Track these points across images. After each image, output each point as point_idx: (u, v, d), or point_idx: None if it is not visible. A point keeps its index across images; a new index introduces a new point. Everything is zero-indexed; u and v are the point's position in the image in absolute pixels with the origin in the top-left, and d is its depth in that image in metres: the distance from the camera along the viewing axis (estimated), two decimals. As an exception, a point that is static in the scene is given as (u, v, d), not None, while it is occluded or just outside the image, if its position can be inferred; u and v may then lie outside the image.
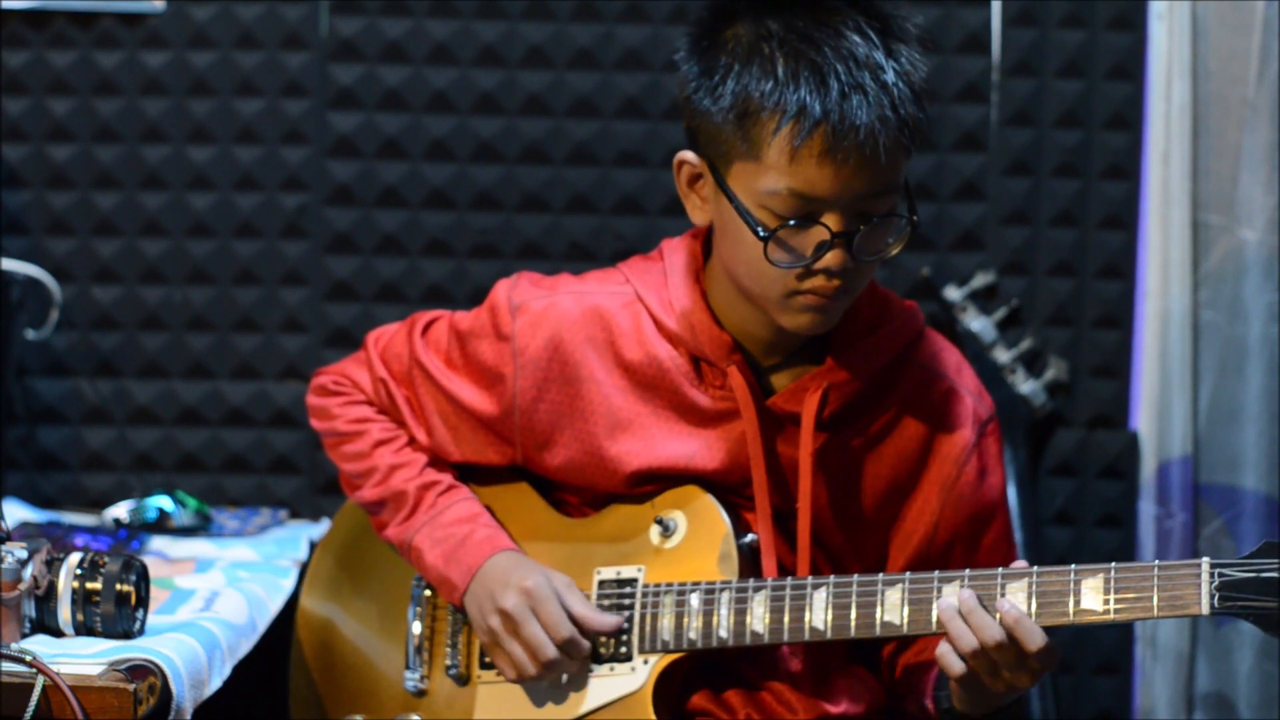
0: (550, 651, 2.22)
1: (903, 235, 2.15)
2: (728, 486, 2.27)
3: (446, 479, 2.36)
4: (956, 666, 2.10)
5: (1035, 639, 2.06)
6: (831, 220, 2.11)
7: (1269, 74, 3.00)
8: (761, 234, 2.13)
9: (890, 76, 2.09)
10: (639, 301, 2.28)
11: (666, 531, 2.28)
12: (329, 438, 2.43)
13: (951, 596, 2.10)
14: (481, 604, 2.27)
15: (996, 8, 3.06)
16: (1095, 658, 3.11)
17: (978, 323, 3.06)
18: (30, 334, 3.01)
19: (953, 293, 3.06)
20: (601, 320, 2.28)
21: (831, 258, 2.12)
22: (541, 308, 2.30)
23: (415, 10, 3.06)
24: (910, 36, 2.14)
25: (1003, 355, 3.05)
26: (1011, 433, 3.00)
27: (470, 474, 2.40)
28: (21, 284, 2.97)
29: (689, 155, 2.19)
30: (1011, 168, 3.08)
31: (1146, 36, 3.05)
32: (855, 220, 2.11)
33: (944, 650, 2.11)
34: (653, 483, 2.29)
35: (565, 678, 2.26)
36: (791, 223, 2.11)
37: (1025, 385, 3.06)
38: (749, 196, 2.13)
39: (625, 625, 2.25)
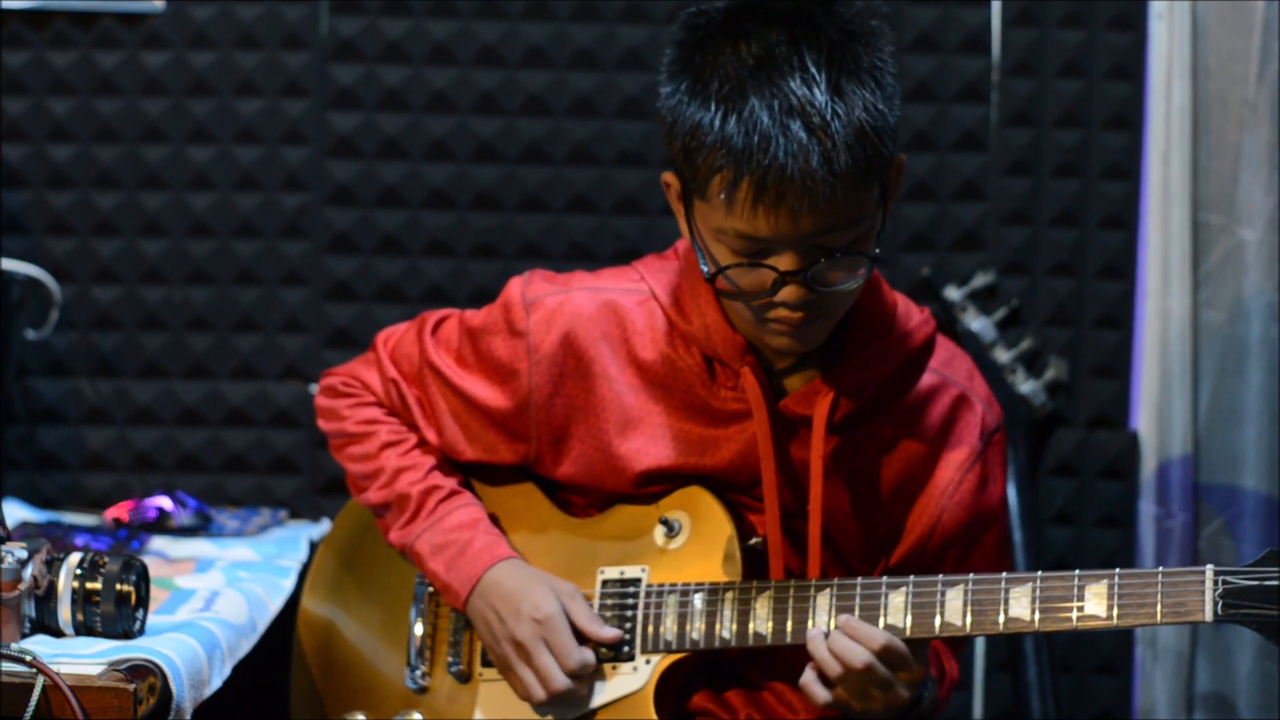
0: (560, 682, 2.23)
1: (870, 267, 2.12)
2: (737, 487, 2.27)
3: (450, 484, 2.36)
4: (820, 695, 2.15)
5: (875, 640, 2.11)
6: (785, 258, 2.08)
7: (1269, 74, 3.00)
8: (707, 272, 2.14)
9: (827, 120, 2.03)
10: (654, 300, 2.28)
11: (671, 532, 2.28)
12: (337, 439, 2.43)
13: (821, 626, 2.16)
14: (491, 625, 2.28)
15: (996, 8, 3.06)
16: (1095, 658, 3.11)
17: (978, 323, 3.06)
18: (30, 334, 3.01)
19: (953, 293, 3.06)
20: (616, 317, 2.28)
21: (788, 292, 2.10)
22: (556, 303, 2.30)
23: (415, 10, 3.06)
24: (864, 68, 2.07)
25: (1003, 355, 3.06)
26: (1011, 433, 3.00)
27: (477, 474, 2.40)
28: (21, 284, 2.97)
29: (670, 176, 2.19)
30: (1011, 168, 3.08)
31: (1146, 36, 3.05)
32: (812, 255, 2.08)
33: (807, 679, 2.15)
34: (662, 482, 2.29)
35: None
36: (741, 264, 2.10)
37: (1025, 385, 3.06)
38: (706, 230, 2.13)
39: (626, 635, 2.26)
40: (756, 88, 2.05)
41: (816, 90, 2.04)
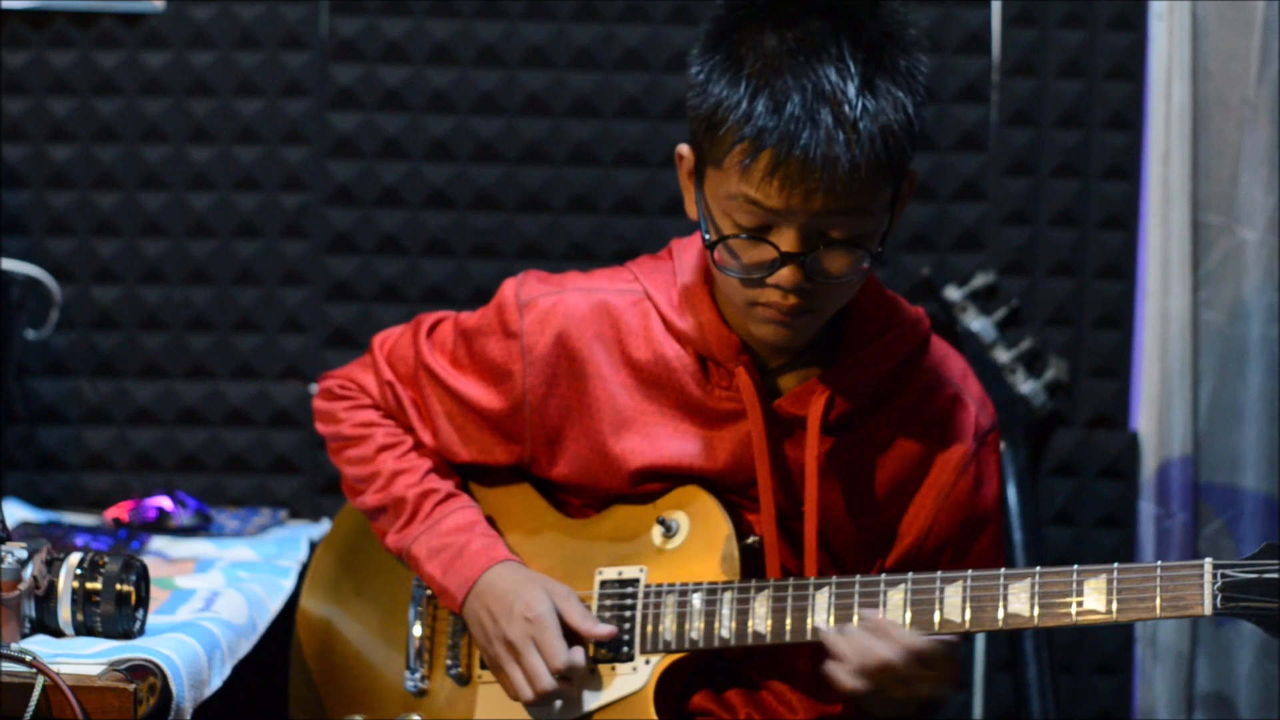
0: (546, 682, 2.23)
1: (867, 264, 2.13)
2: (731, 487, 2.27)
3: (447, 487, 2.36)
4: (848, 682, 2.13)
5: (906, 635, 2.10)
6: (787, 237, 2.09)
7: (1269, 74, 3.00)
8: (708, 239, 2.15)
9: (855, 114, 2.05)
10: (647, 300, 2.28)
11: (669, 532, 2.28)
12: (334, 442, 2.43)
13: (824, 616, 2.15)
14: (484, 624, 2.27)
15: (996, 8, 3.06)
16: (1095, 658, 3.11)
17: (978, 323, 3.06)
18: (30, 334, 3.01)
19: (953, 293, 3.06)
20: (610, 317, 2.28)
21: (784, 275, 2.11)
22: (549, 304, 2.30)
23: (415, 10, 3.06)
24: (899, 71, 2.09)
25: (1003, 355, 3.05)
26: (1011, 433, 3.00)
27: (474, 476, 2.40)
28: (21, 284, 2.97)
29: (685, 149, 2.20)
30: (1011, 168, 3.08)
31: (1146, 36, 3.05)
32: (813, 240, 2.10)
33: (833, 668, 2.14)
34: (656, 481, 2.29)
35: (559, 703, 2.26)
36: (743, 235, 2.11)
37: (1025, 385, 3.06)
38: (715, 201, 2.14)
39: (625, 635, 2.26)
40: (792, 69, 2.06)
41: (850, 83, 2.06)
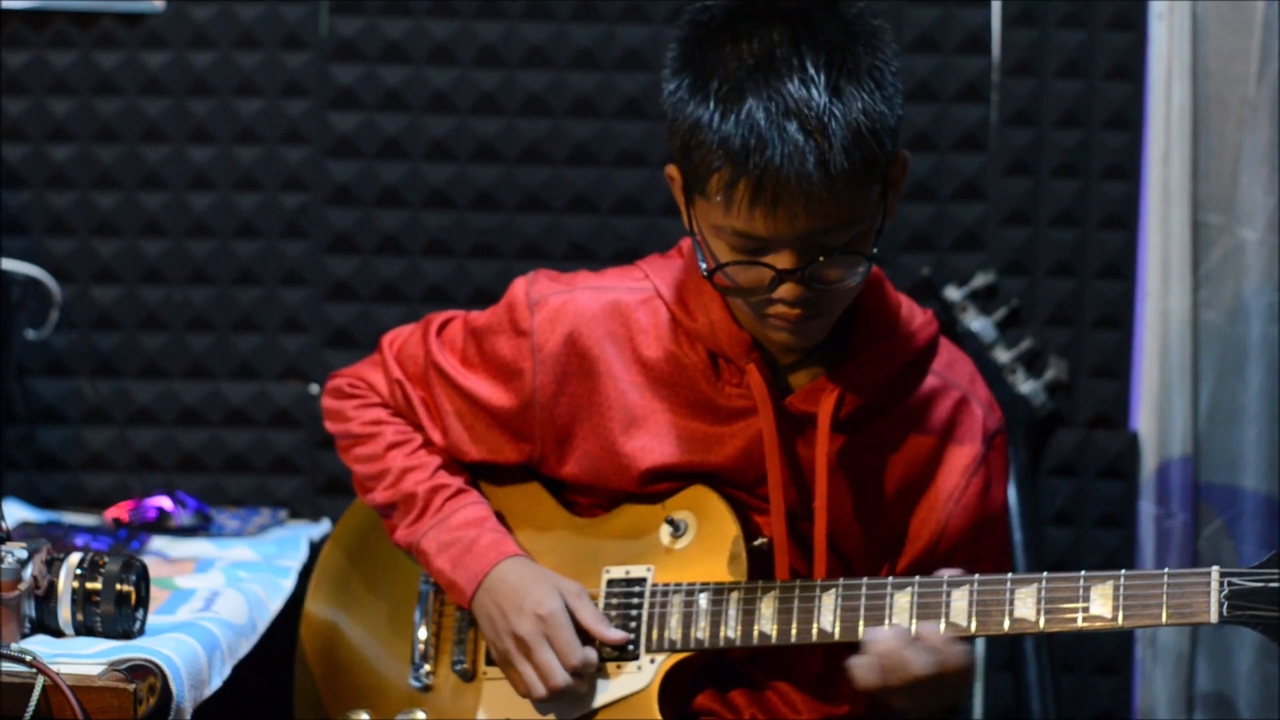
0: (560, 679, 2.23)
1: (864, 267, 2.13)
2: (740, 485, 2.27)
3: (456, 483, 2.36)
4: (868, 680, 2.12)
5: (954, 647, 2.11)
6: (783, 256, 2.09)
7: (1269, 74, 3.00)
8: (705, 268, 2.15)
9: (825, 121, 2.03)
10: (658, 298, 2.28)
11: (677, 532, 2.28)
12: (343, 440, 2.43)
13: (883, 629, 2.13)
14: (494, 619, 2.27)
15: (996, 8, 3.06)
16: (1095, 658, 3.11)
17: (978, 323, 3.06)
18: (30, 334, 3.01)
19: (953, 293, 3.06)
20: (621, 316, 2.28)
21: (785, 290, 2.11)
22: (560, 303, 2.30)
23: (415, 10, 3.06)
24: (863, 69, 2.07)
25: (1003, 355, 3.05)
26: (1011, 433, 3.00)
27: (483, 475, 2.40)
28: (21, 284, 2.97)
29: (673, 169, 2.19)
30: (1011, 168, 3.08)
31: (1146, 36, 3.05)
32: (810, 254, 2.09)
33: (861, 663, 2.12)
34: (667, 480, 2.29)
35: (565, 701, 2.26)
36: (739, 261, 2.11)
37: (1025, 385, 3.06)
38: (706, 228, 2.14)
39: (632, 638, 2.26)
40: (755, 88, 2.05)
41: (814, 91, 2.04)
